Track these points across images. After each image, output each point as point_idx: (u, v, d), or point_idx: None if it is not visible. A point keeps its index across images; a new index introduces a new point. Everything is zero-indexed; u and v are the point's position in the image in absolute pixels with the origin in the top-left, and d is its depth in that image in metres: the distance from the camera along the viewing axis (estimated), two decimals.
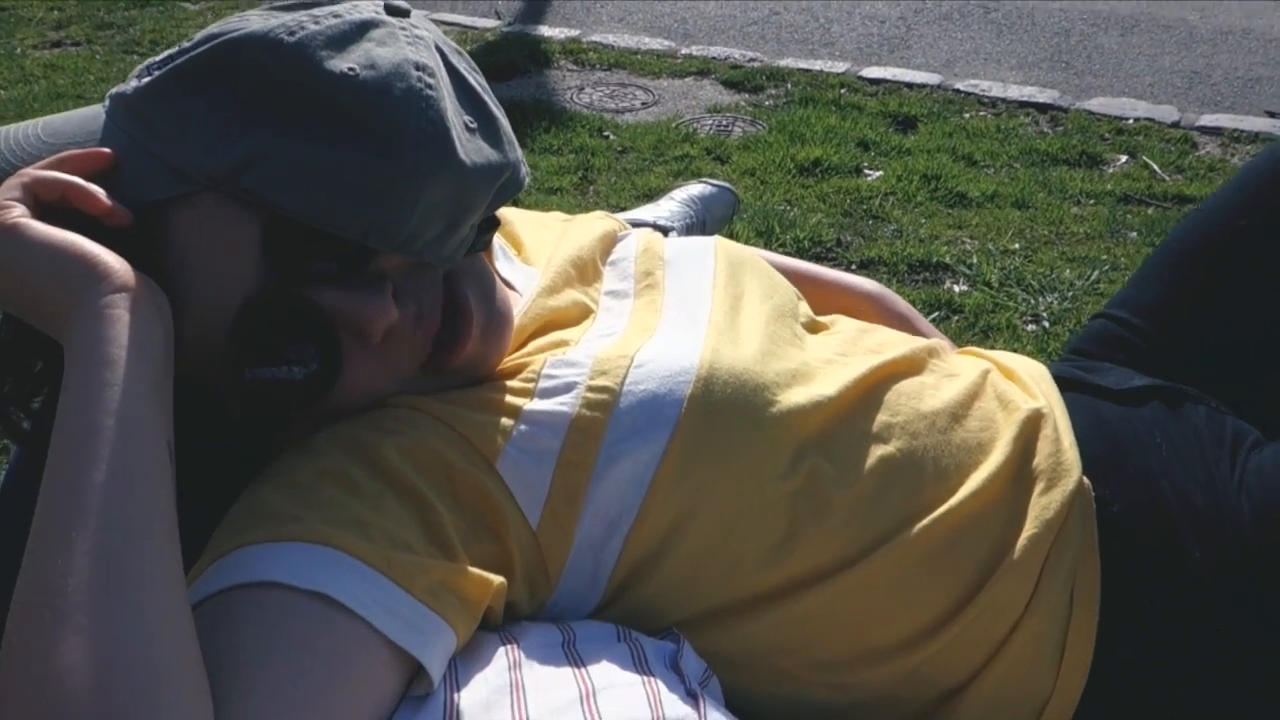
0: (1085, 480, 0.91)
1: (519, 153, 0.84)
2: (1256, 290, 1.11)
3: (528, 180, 0.86)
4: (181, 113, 0.75)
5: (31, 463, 0.92)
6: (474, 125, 0.80)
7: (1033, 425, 0.93)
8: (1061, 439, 0.93)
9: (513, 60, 3.59)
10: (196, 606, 0.68)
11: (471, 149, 0.78)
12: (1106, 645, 0.87)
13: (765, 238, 2.33)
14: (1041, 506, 0.88)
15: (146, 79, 0.78)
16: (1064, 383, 1.04)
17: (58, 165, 0.75)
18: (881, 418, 0.90)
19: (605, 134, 3.01)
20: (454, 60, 0.82)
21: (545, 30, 3.96)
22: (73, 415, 0.66)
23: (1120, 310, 1.17)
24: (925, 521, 0.86)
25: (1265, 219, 1.11)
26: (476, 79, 0.83)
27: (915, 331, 1.25)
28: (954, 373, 0.99)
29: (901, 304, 1.30)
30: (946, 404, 0.93)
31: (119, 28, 4.13)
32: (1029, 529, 0.87)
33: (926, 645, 0.86)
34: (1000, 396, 0.97)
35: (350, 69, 0.74)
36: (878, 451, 0.87)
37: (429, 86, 0.76)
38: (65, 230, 0.71)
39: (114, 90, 0.81)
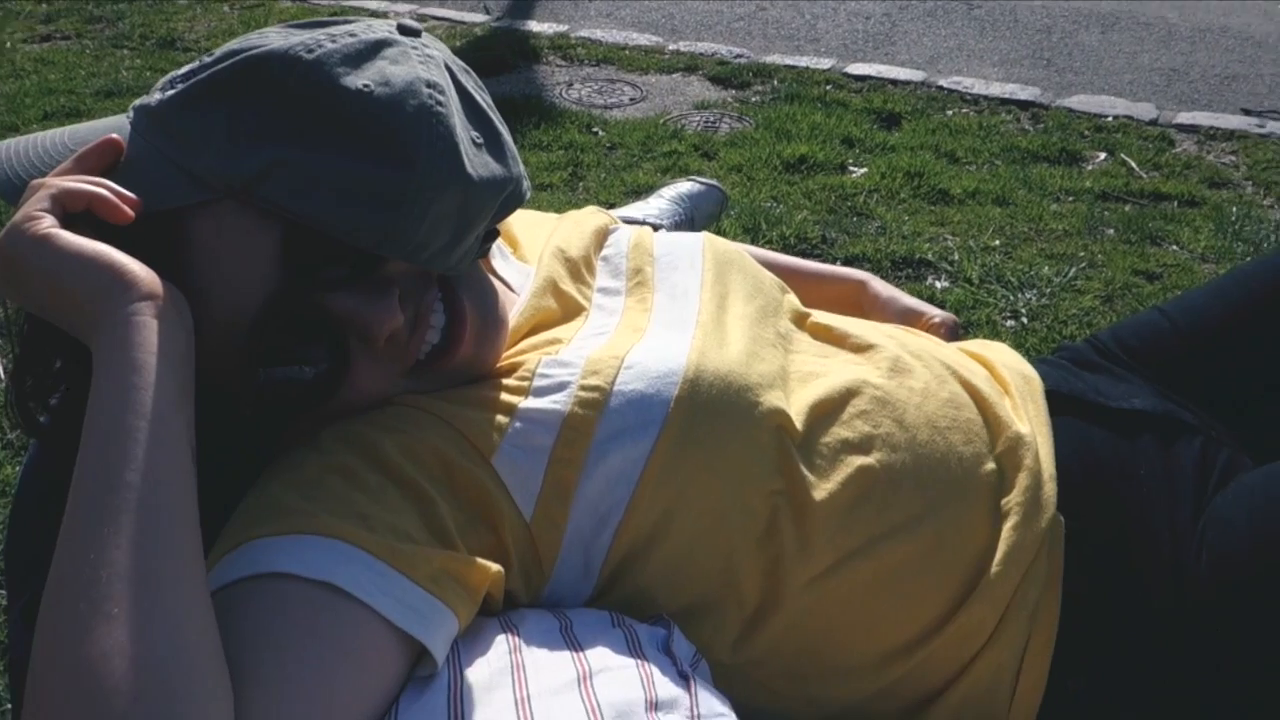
0: (1059, 516, 0.92)
1: (521, 167, 0.88)
2: None
3: (529, 194, 0.89)
4: (204, 125, 0.78)
5: (47, 459, 0.96)
6: (480, 140, 0.84)
7: (1015, 451, 0.94)
8: (1042, 471, 0.94)
9: (501, 56, 3.61)
10: (211, 597, 0.72)
11: (478, 163, 0.82)
12: (1060, 674, 0.89)
13: (752, 234, 2.37)
14: (1014, 541, 0.90)
15: (170, 92, 0.81)
16: (1057, 398, 1.04)
17: (77, 165, 0.79)
18: (863, 427, 0.91)
19: (594, 130, 3.04)
20: (462, 78, 0.85)
21: (533, 25, 3.99)
22: (104, 417, 0.69)
23: (1177, 312, 1.16)
24: (899, 538, 0.88)
25: None
26: (483, 96, 0.87)
27: (902, 309, 1.26)
28: (942, 379, 0.99)
29: (886, 288, 1.31)
30: (930, 416, 0.94)
31: (108, 21, 4.14)
32: (1000, 562, 0.89)
33: (895, 666, 0.89)
34: (986, 411, 0.98)
35: (365, 85, 0.78)
36: (856, 462, 0.89)
37: (439, 103, 0.80)
38: (93, 240, 0.74)
39: (138, 102, 0.84)
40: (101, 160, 0.80)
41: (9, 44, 3.93)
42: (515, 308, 0.96)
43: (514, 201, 0.87)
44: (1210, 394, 1.10)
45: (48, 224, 0.74)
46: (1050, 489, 0.93)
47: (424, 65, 0.82)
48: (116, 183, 0.78)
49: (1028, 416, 0.99)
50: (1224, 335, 1.13)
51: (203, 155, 0.78)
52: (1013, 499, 0.92)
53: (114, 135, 0.81)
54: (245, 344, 0.80)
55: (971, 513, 0.91)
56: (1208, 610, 0.90)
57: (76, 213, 0.76)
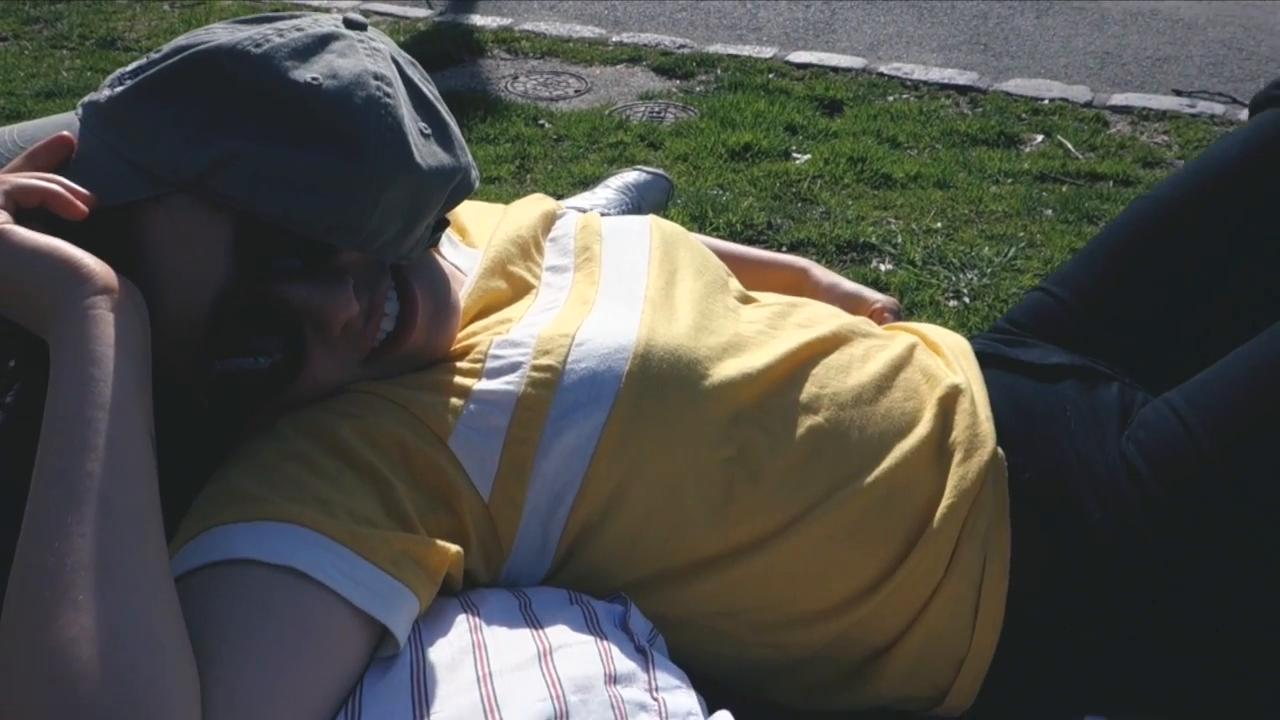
0: (999, 450, 0.97)
1: (469, 157, 0.89)
2: (1180, 279, 1.16)
3: (478, 184, 0.91)
4: (154, 120, 0.79)
5: (2, 457, 0.96)
6: (428, 132, 0.85)
7: (952, 397, 0.99)
8: (979, 412, 0.98)
9: (446, 50, 3.60)
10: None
11: (427, 153, 0.83)
12: (1016, 602, 0.93)
13: (699, 222, 2.39)
14: (959, 476, 0.94)
15: (119, 88, 0.82)
16: (985, 358, 1.09)
17: (29, 161, 0.80)
18: (810, 389, 0.95)
19: (540, 122, 3.05)
20: (408, 71, 0.87)
21: (477, 19, 3.98)
22: (64, 409, 0.70)
23: (1057, 286, 1.22)
24: (852, 488, 0.91)
25: (1205, 214, 1.16)
26: (430, 89, 0.88)
27: (843, 294, 1.31)
28: (881, 345, 1.03)
29: (827, 275, 1.36)
30: (873, 377, 0.98)
31: (46, 21, 4.07)
32: (948, 498, 0.93)
33: (857, 608, 0.92)
34: (924, 370, 1.02)
35: (314, 79, 0.79)
36: (807, 422, 0.92)
37: (387, 95, 0.81)
38: (48, 235, 0.75)
39: (86, 99, 0.84)
40: (53, 157, 0.80)
41: None
42: (464, 289, 0.97)
43: (463, 190, 0.88)
44: (1104, 351, 1.15)
45: (1, 220, 0.74)
46: (987, 427, 0.97)
47: (371, 58, 0.83)
48: (68, 179, 0.78)
49: (961, 369, 1.04)
50: (1101, 295, 1.19)
51: (154, 150, 0.79)
52: (954, 439, 0.96)
53: (65, 133, 0.81)
54: (201, 336, 0.80)
55: (917, 458, 0.94)
56: (1150, 516, 0.94)
57: (30, 209, 0.77)
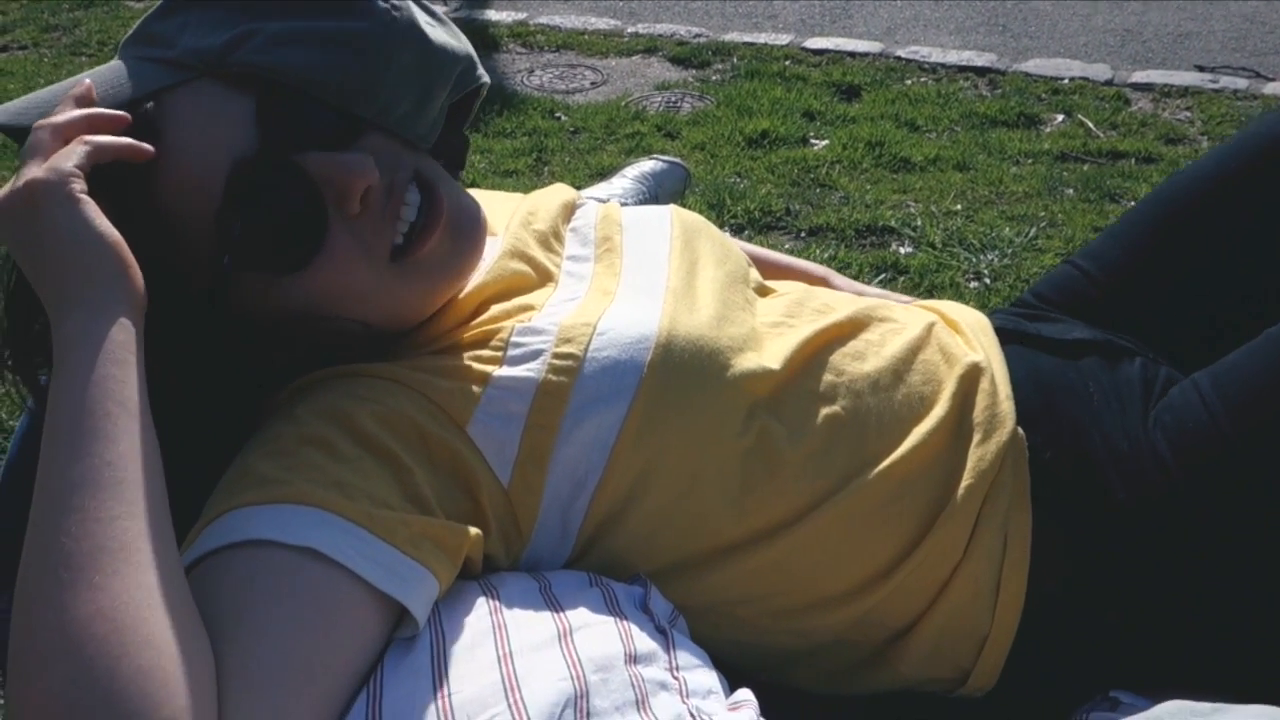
0: (1019, 430, 0.96)
1: (475, 55, 0.95)
2: (1213, 257, 1.14)
3: (486, 83, 0.97)
4: (180, 21, 0.86)
5: (33, 449, 0.97)
6: (432, 22, 0.91)
7: (972, 377, 0.98)
8: (998, 390, 0.97)
9: None
10: (194, 566, 0.74)
11: (433, 32, 0.89)
12: (1038, 582, 0.92)
13: (716, 210, 2.39)
14: (978, 457, 0.93)
15: (147, 13, 0.89)
16: (1005, 334, 1.08)
17: (79, 104, 0.82)
18: (828, 378, 0.94)
19: (557, 115, 3.05)
20: None
21: (492, 14, 3.99)
22: (81, 398, 0.71)
23: (1085, 260, 1.21)
24: (871, 474, 0.91)
25: (1241, 192, 1.14)
26: (429, 5, 0.94)
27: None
28: (899, 328, 1.02)
29: (849, 283, 1.35)
30: (890, 361, 0.97)
31: (65, 29, 4.11)
32: (966, 478, 0.92)
33: (875, 591, 0.91)
34: (943, 348, 1.01)
35: None
36: (824, 410, 0.92)
37: None
38: (114, 228, 0.76)
39: (123, 39, 0.90)
40: (114, 127, 0.82)
41: None
42: (482, 267, 0.97)
43: (470, 78, 0.93)
44: (1129, 327, 1.14)
45: (80, 188, 0.76)
46: (1007, 406, 0.97)
47: None
48: (97, 86, 0.83)
49: (981, 347, 1.03)
50: (1130, 271, 1.17)
51: (177, 44, 0.84)
52: (974, 420, 0.95)
53: (126, 115, 0.83)
54: (222, 206, 0.82)
55: (935, 440, 0.93)
56: (1173, 498, 0.93)
57: (100, 165, 0.79)
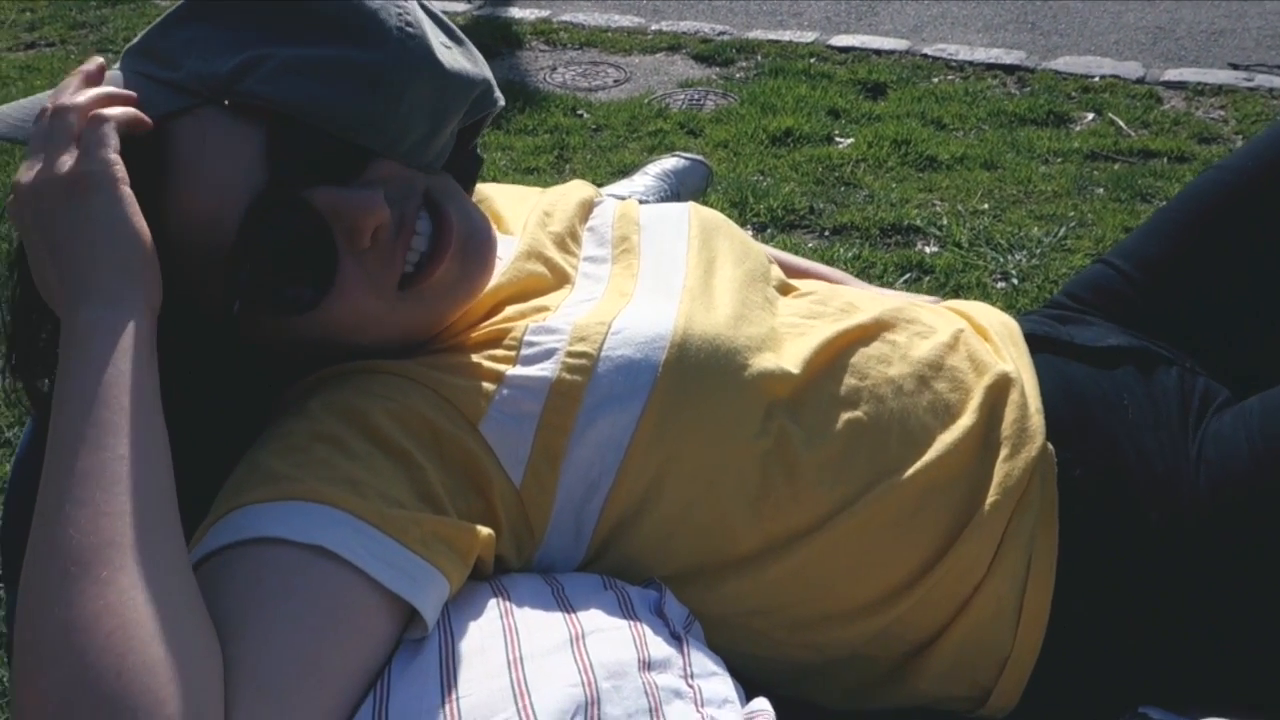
0: (1049, 446, 0.93)
1: (491, 76, 0.90)
2: (1254, 254, 1.11)
3: (502, 102, 0.93)
4: (185, 40, 0.82)
5: (42, 442, 0.96)
6: (449, 44, 0.87)
7: (1001, 388, 0.95)
8: (1028, 403, 0.95)
9: (484, 43, 3.60)
10: (201, 563, 0.73)
11: (449, 57, 0.85)
12: (1062, 602, 0.90)
13: (739, 208, 2.37)
14: (1005, 472, 0.90)
15: (151, 26, 0.85)
16: (1036, 340, 1.05)
17: (85, 81, 0.81)
18: (849, 381, 0.92)
19: (579, 113, 3.04)
20: (424, 1, 0.89)
21: (515, 12, 3.98)
22: (93, 390, 0.70)
23: (1120, 259, 1.18)
24: (892, 483, 0.88)
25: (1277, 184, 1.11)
26: (445, 20, 0.90)
27: None
28: (926, 331, 1.00)
29: (866, 287, 1.31)
30: (915, 367, 0.95)
31: (92, 27, 4.14)
32: (993, 494, 0.90)
33: (895, 605, 0.89)
34: (972, 356, 0.98)
35: None
36: (845, 415, 0.90)
37: (403, 1, 0.84)
38: (146, 223, 0.76)
39: (125, 49, 0.87)
40: (100, 75, 0.82)
41: None
42: (499, 268, 0.96)
43: (486, 102, 0.90)
44: (1168, 328, 1.11)
45: (124, 178, 0.75)
46: (1037, 420, 0.94)
47: None
48: None
49: (1010, 356, 1.00)
50: (1167, 269, 1.14)
51: (182, 66, 0.81)
52: (1001, 434, 0.93)
53: (133, 94, 0.82)
54: (232, 249, 0.80)
55: (961, 452, 0.91)
56: (1206, 527, 0.91)
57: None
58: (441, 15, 0.90)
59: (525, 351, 0.87)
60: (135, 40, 0.86)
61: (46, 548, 0.66)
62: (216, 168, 0.80)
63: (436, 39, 0.85)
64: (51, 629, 0.63)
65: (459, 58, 0.87)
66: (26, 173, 0.76)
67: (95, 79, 0.81)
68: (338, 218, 0.81)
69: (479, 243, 0.89)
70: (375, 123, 0.81)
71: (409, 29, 0.83)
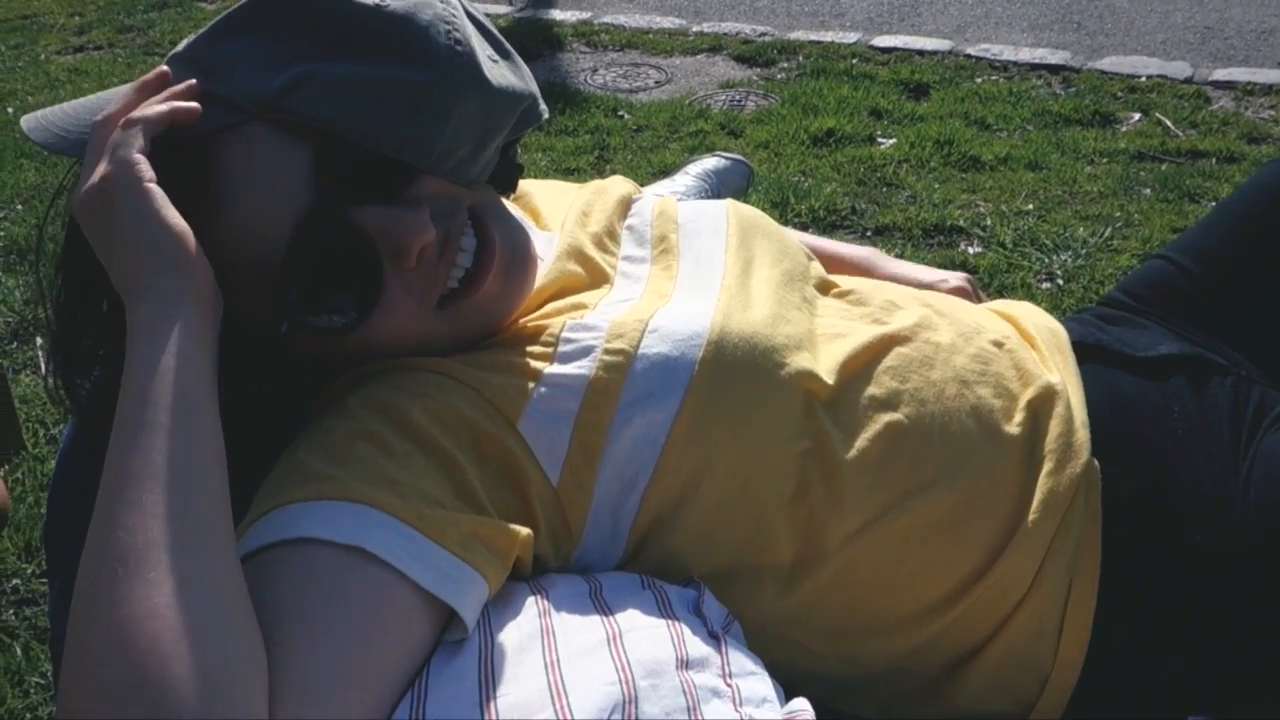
0: (1094, 461, 0.91)
1: (537, 88, 0.90)
2: None
3: (546, 115, 0.92)
4: (232, 51, 0.82)
5: (84, 438, 0.98)
6: (496, 58, 0.87)
7: (1045, 400, 0.93)
8: (1074, 417, 0.93)
9: (525, 45, 3.62)
10: (243, 562, 0.72)
11: (496, 73, 0.85)
12: (1105, 622, 0.88)
13: (780, 208, 2.36)
14: (1048, 488, 0.89)
15: (198, 34, 0.85)
16: (1084, 349, 1.02)
17: (139, 93, 0.82)
18: (889, 384, 0.91)
19: (620, 114, 3.04)
20: (471, 10, 0.89)
21: (557, 14, 3.99)
22: (144, 391, 0.71)
23: (1179, 254, 1.15)
24: (932, 492, 0.87)
25: None
26: (493, 30, 0.90)
27: (914, 280, 1.24)
28: (970, 334, 0.98)
29: (891, 265, 1.29)
30: (958, 371, 0.93)
31: (139, 30, 4.19)
32: (1035, 511, 0.88)
33: (935, 620, 0.88)
34: (1017, 364, 0.96)
35: (380, 2, 0.82)
36: (885, 418, 0.89)
37: (452, 15, 0.84)
38: (181, 217, 0.76)
39: (170, 55, 0.87)
40: (160, 85, 0.83)
41: (43, 56, 3.99)
42: (541, 269, 0.96)
43: (532, 117, 0.90)
44: (1230, 327, 1.08)
45: (149, 176, 0.76)
46: (1083, 435, 0.92)
47: None
48: None
49: (1056, 367, 0.98)
50: (1229, 265, 1.12)
51: (231, 80, 0.81)
52: (1045, 447, 0.91)
53: (163, 67, 0.84)
54: (278, 266, 0.81)
55: (1004, 463, 0.89)
56: (1253, 548, 0.89)
57: (160, 136, 0.79)
58: (490, 26, 0.90)
59: (563, 349, 0.86)
60: (181, 47, 0.86)
61: (98, 549, 0.66)
62: (264, 186, 0.80)
63: (484, 54, 0.85)
64: (99, 629, 0.63)
65: (506, 73, 0.87)
66: (77, 187, 0.78)
67: (150, 87, 0.82)
68: (384, 238, 0.81)
69: (521, 259, 0.89)
70: (421, 141, 0.81)
71: (458, 46, 0.82)
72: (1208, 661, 0.89)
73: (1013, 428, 0.91)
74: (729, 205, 1.08)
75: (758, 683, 0.77)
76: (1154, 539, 0.90)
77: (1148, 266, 1.18)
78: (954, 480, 0.88)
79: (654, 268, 0.99)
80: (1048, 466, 0.90)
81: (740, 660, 0.79)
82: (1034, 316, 1.07)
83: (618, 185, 1.11)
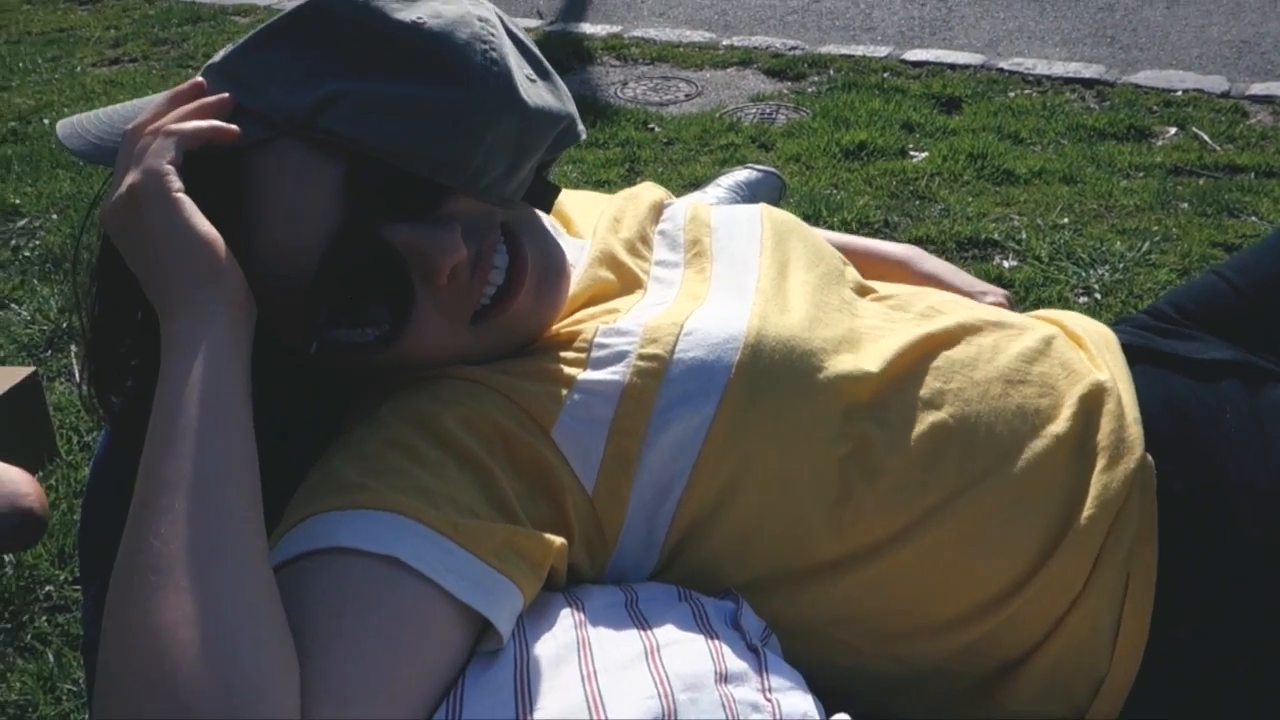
0: (1148, 458, 0.89)
1: (575, 109, 0.89)
2: None
3: (584, 135, 0.91)
4: (267, 65, 0.82)
5: (118, 447, 0.98)
6: (534, 77, 0.85)
7: (1095, 397, 0.92)
8: (1125, 413, 0.91)
9: (555, 58, 3.62)
10: (276, 571, 0.72)
11: (533, 93, 0.84)
12: (1162, 623, 0.86)
13: (813, 221, 2.35)
14: (1102, 484, 0.87)
15: (234, 45, 0.84)
16: (1134, 351, 1.01)
17: (172, 104, 0.81)
18: (933, 384, 0.89)
19: (650, 126, 3.03)
20: (511, 26, 0.88)
21: (587, 27, 4.00)
22: (178, 401, 0.71)
23: (1232, 272, 1.14)
24: (979, 491, 0.86)
25: None
26: (533, 48, 0.89)
27: (947, 288, 1.22)
28: (1014, 334, 0.97)
29: (931, 263, 1.28)
30: (1002, 371, 0.92)
31: (173, 43, 4.23)
32: (1089, 507, 0.86)
33: (985, 620, 0.86)
34: (1064, 363, 0.95)
35: (418, 19, 0.81)
36: (929, 418, 0.87)
37: (490, 34, 0.83)
38: (210, 224, 0.76)
39: (205, 65, 0.87)
40: (194, 96, 0.82)
41: (79, 68, 4.04)
42: (573, 277, 0.95)
43: (569, 137, 0.88)
44: (1276, 348, 1.06)
45: (177, 187, 0.76)
46: (1135, 431, 0.90)
47: (474, 4, 0.85)
48: None
49: (1106, 365, 0.96)
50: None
51: (264, 95, 0.81)
52: (1098, 444, 0.89)
53: (199, 78, 0.83)
54: (309, 284, 0.80)
55: (1054, 461, 0.88)
56: None
57: (193, 151, 0.78)
58: (530, 44, 0.89)
59: (596, 354, 0.86)
60: (217, 58, 0.85)
61: (130, 554, 0.66)
62: (296, 202, 0.80)
63: (521, 74, 0.84)
64: (131, 638, 0.63)
65: (544, 93, 0.85)
66: (107, 197, 0.77)
67: (184, 96, 0.82)
68: (415, 257, 0.81)
69: (555, 275, 0.88)
70: (455, 161, 0.80)
71: (494, 66, 0.81)
72: (1266, 668, 0.87)
73: (1061, 425, 0.89)
74: (763, 209, 1.07)
75: (798, 698, 0.76)
76: (1211, 536, 0.88)
77: (1199, 281, 1.17)
78: (1001, 479, 0.86)
79: (687, 271, 0.98)
80: (1100, 463, 0.88)
81: (779, 675, 0.77)
82: (1080, 320, 1.05)
83: (649, 191, 1.11)
